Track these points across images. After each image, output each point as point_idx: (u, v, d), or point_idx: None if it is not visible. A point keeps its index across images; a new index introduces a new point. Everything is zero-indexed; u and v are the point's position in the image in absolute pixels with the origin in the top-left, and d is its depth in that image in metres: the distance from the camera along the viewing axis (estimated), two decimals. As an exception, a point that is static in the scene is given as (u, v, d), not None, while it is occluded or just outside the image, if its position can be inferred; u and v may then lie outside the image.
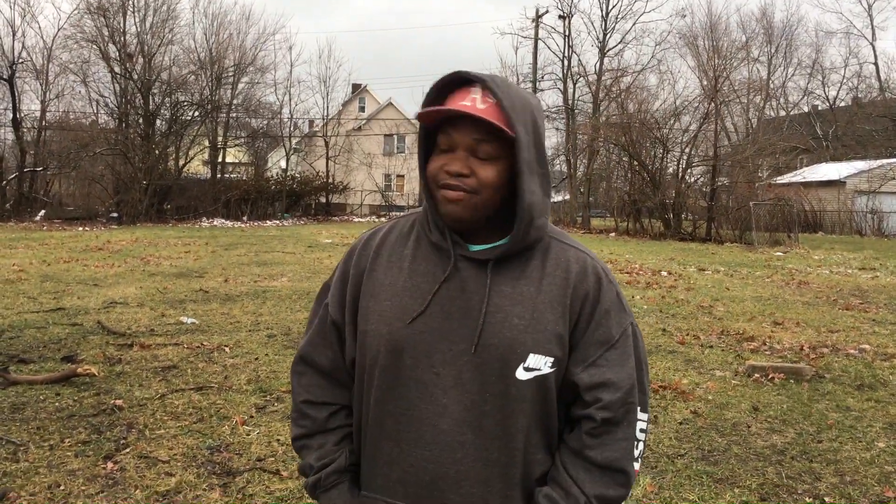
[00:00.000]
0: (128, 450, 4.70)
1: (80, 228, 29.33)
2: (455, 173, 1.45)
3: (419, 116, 1.47)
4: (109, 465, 4.44)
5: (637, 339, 1.56)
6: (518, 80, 41.45)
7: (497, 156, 1.47)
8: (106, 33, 38.43)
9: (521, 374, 1.45)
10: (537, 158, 1.50)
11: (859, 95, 55.46)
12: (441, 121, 1.49)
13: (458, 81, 1.49)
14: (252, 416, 5.41)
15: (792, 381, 6.69)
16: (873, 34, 59.63)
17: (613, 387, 1.48)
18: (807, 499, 4.22)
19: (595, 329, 1.51)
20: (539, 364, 1.46)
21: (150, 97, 38.89)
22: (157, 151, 38.27)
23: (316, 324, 1.66)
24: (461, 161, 1.45)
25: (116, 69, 38.53)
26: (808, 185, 38.44)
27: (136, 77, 38.46)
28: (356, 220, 43.18)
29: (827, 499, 4.22)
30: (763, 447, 5.04)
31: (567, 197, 41.44)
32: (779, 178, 39.02)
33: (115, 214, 34.89)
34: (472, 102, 1.44)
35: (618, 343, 1.52)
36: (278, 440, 4.91)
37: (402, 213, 1.72)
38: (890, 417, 5.72)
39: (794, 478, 4.52)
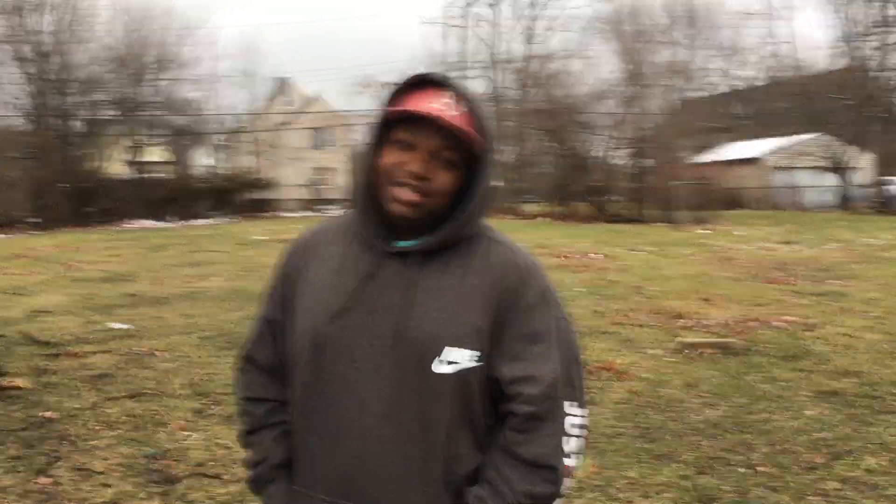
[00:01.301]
0: (61, 463, 4.56)
1: (-1, 236, 28.25)
2: (416, 175, 1.45)
3: (392, 114, 1.47)
4: (43, 479, 4.30)
5: (566, 333, 1.55)
6: (445, 68, 41.46)
7: (456, 164, 1.49)
8: (21, 33, 36.95)
9: (437, 367, 1.45)
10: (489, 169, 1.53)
11: (775, 75, 57.17)
12: (401, 115, 1.48)
13: (427, 80, 1.50)
14: (190, 421, 5.31)
15: (722, 355, 6.90)
16: (788, 15, 61.73)
17: (534, 381, 1.47)
18: (741, 469, 4.36)
19: (519, 324, 1.50)
20: (458, 357, 1.45)
21: (67, 97, 37.60)
22: (76, 153, 37.05)
23: (258, 322, 1.70)
24: (423, 163, 1.46)
25: (30, 70, 37.13)
26: (728, 163, 39.56)
27: (51, 77, 37.13)
28: (287, 215, 42.65)
29: (760, 468, 4.37)
30: (698, 421, 5.19)
31: (498, 183, 41.76)
32: (700, 157, 40.02)
33: (35, 220, 33.68)
34: (445, 107, 1.45)
35: (541, 337, 1.50)
36: (218, 443, 4.83)
37: (333, 210, 1.71)
38: (816, 386, 5.94)
39: (729, 449, 4.67)
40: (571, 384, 1.53)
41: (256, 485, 1.64)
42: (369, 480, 1.46)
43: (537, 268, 1.58)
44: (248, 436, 1.67)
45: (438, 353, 1.45)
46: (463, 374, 1.46)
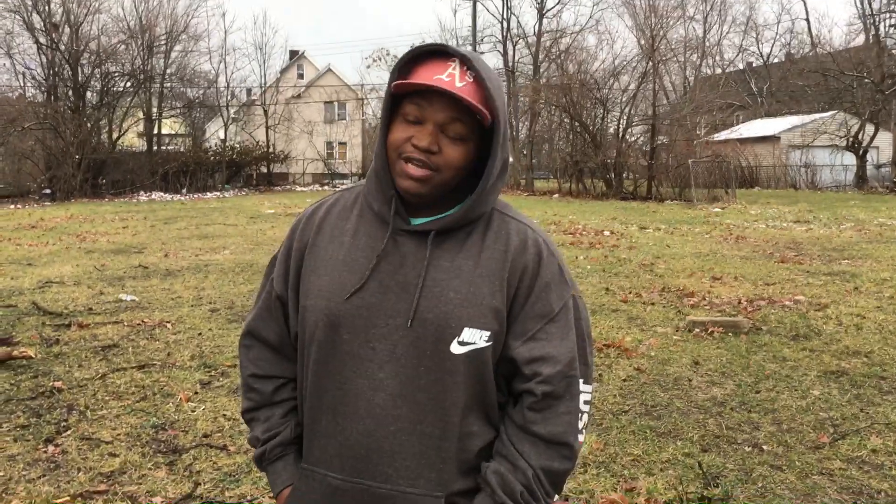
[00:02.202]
0: (69, 432, 4.60)
1: (12, 206, 28.40)
2: (424, 148, 1.42)
3: (397, 87, 1.43)
4: (51, 448, 4.35)
5: (579, 312, 1.55)
6: (457, 43, 41.19)
7: (466, 136, 1.46)
8: (29, 2, 36.93)
9: (455, 348, 1.45)
10: (503, 142, 1.49)
11: (792, 51, 56.55)
12: (407, 88, 1.44)
13: (434, 51, 1.46)
14: (197, 393, 5.35)
15: (730, 334, 6.87)
16: (804, -10, 60.84)
17: (553, 360, 1.48)
18: (746, 448, 4.35)
19: (534, 302, 1.50)
20: (474, 338, 1.45)
21: (79, 68, 37.59)
22: (89, 124, 37.10)
23: (262, 298, 1.67)
24: (431, 136, 1.43)
25: (42, 40, 37.14)
26: (744, 141, 39.22)
27: (63, 48, 37.12)
28: (299, 189, 42.67)
29: (765, 447, 4.35)
30: (704, 400, 5.17)
31: (510, 160, 41.53)
32: (716, 135, 39.71)
33: (48, 191, 33.81)
34: (451, 78, 1.41)
35: (558, 316, 1.51)
36: (224, 415, 4.86)
37: (346, 184, 1.68)
38: (824, 366, 5.91)
39: (734, 428, 4.66)
40: (585, 362, 1.53)
41: (263, 462, 1.63)
42: (384, 458, 1.46)
43: (551, 245, 1.57)
44: (253, 412, 1.66)
45: (457, 335, 1.44)
46: (477, 354, 1.46)
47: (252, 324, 1.67)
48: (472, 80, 1.43)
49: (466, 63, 1.43)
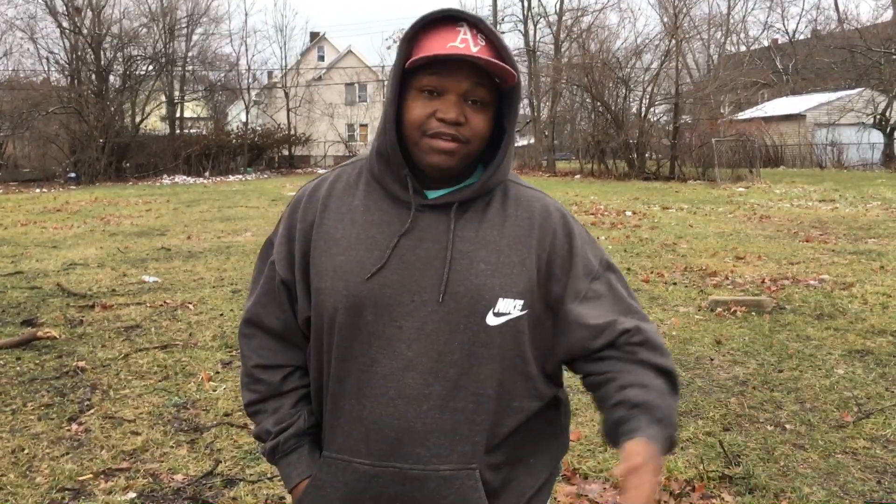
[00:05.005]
0: (92, 411, 4.65)
1: (38, 190, 28.70)
2: (452, 121, 1.37)
3: (416, 61, 1.36)
4: (74, 426, 4.40)
5: (612, 264, 1.54)
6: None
7: (488, 102, 1.41)
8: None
9: (491, 319, 1.40)
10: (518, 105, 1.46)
11: (818, 27, 55.60)
12: (421, 61, 1.37)
13: (440, 17, 1.40)
14: (218, 372, 5.38)
15: (753, 313, 6.80)
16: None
17: (613, 315, 1.45)
18: (768, 427, 4.31)
19: (578, 263, 1.47)
20: (509, 308, 1.41)
21: (102, 52, 37.84)
22: (112, 108, 37.38)
23: (262, 283, 1.57)
24: (457, 108, 1.38)
25: (65, 24, 37.39)
26: (769, 119, 38.64)
27: (85, 32, 37.34)
28: (320, 171, 42.65)
29: (787, 426, 4.31)
30: (726, 379, 5.13)
31: (532, 140, 41.30)
32: (740, 113, 39.20)
33: (72, 174, 34.15)
34: (465, 44, 1.35)
35: (602, 274, 1.49)
36: (245, 394, 4.89)
37: (346, 161, 1.64)
38: (848, 345, 5.83)
39: (756, 407, 4.61)
40: (637, 310, 1.51)
41: (276, 454, 1.54)
42: (416, 439, 1.40)
43: (569, 211, 1.56)
44: (259, 404, 1.57)
45: (492, 306, 1.40)
46: (513, 324, 1.42)
47: (252, 311, 1.58)
48: (484, 42, 1.37)
49: (476, 26, 1.38)
